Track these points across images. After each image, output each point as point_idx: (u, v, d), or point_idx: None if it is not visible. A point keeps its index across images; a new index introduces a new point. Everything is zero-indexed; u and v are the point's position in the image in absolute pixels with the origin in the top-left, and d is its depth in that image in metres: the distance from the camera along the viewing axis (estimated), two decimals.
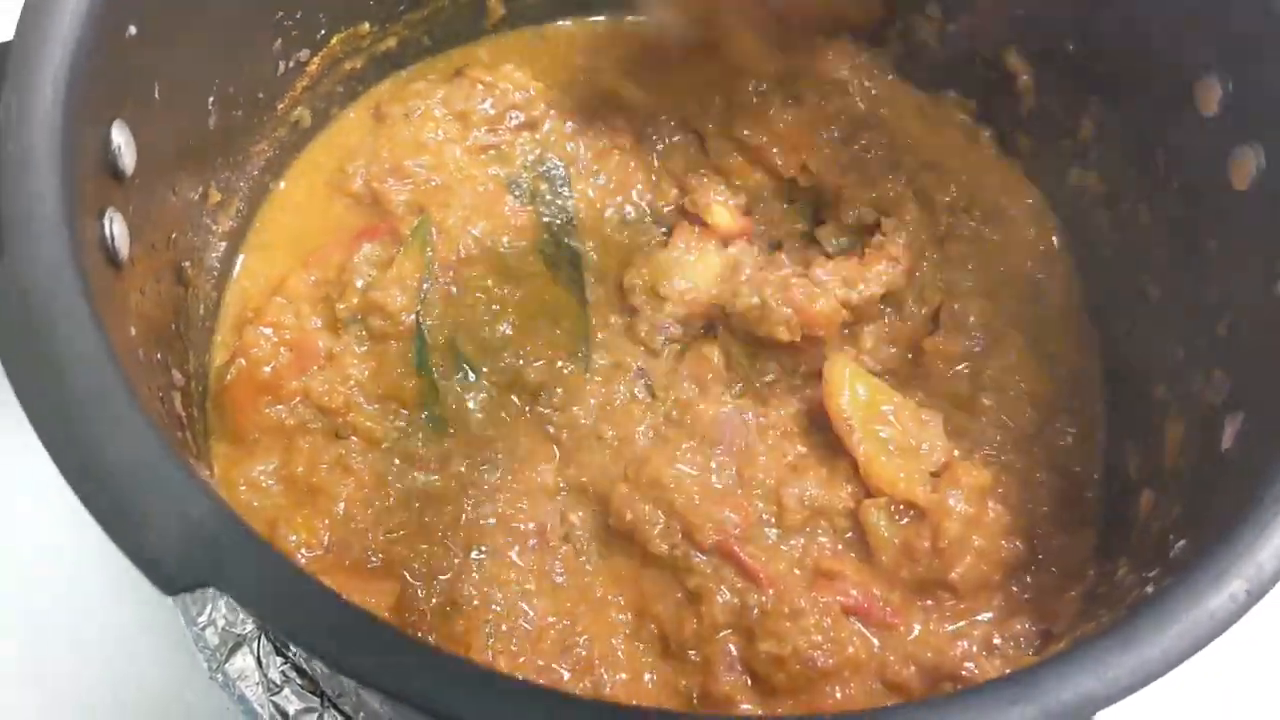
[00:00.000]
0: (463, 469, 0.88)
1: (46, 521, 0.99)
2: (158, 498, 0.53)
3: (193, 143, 0.83)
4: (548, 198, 1.01)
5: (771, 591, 0.81)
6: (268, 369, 0.88)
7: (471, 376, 0.91)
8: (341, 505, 0.84)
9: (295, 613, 0.51)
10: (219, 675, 0.93)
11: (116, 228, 0.68)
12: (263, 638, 0.92)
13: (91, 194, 0.65)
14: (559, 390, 0.91)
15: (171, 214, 0.82)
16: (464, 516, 0.86)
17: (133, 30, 0.69)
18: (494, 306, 0.95)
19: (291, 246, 0.98)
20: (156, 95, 0.75)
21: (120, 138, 0.69)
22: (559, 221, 1.00)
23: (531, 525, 0.86)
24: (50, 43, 0.63)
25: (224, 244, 0.93)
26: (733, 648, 0.81)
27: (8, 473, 1.02)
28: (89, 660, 0.98)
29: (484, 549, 0.85)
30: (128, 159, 0.69)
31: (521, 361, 0.92)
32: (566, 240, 0.99)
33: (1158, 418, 0.84)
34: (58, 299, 0.58)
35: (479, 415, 0.90)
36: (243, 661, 0.93)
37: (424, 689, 0.50)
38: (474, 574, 0.83)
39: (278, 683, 0.92)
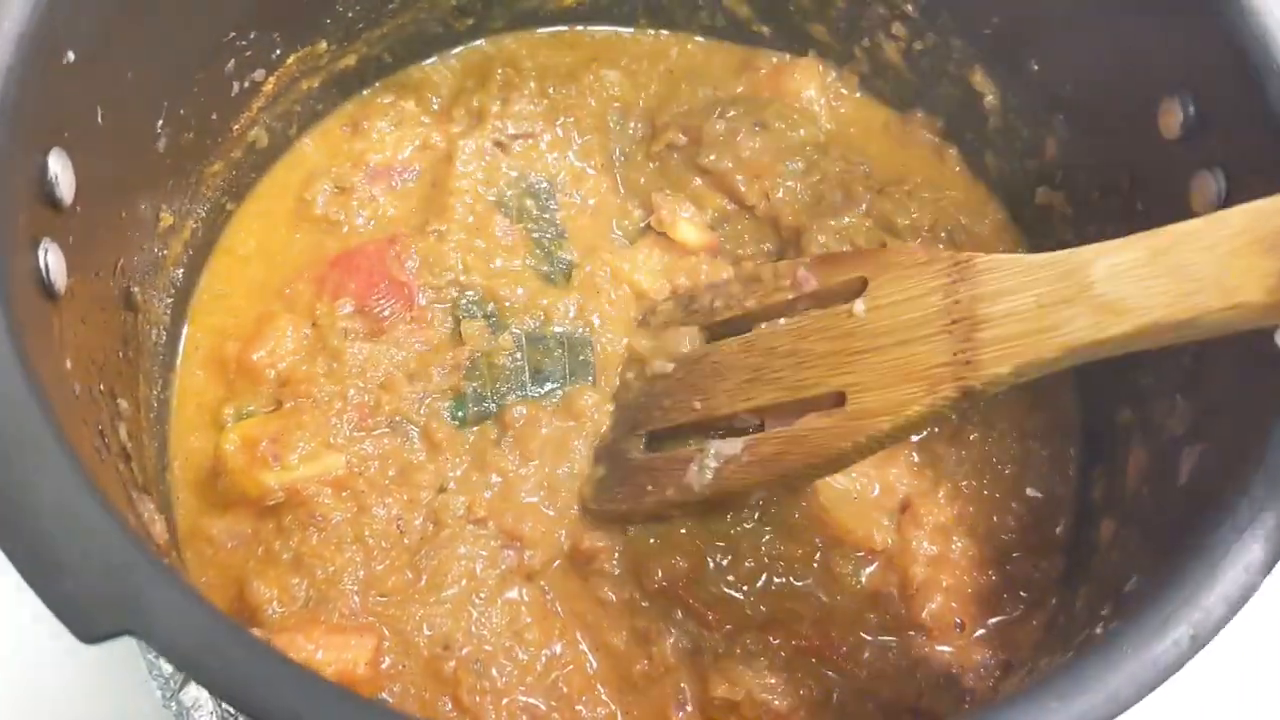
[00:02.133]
0: (460, 512, 0.86)
1: None
2: (77, 544, 0.52)
3: (140, 167, 0.82)
4: (534, 213, 1.00)
5: (727, 628, 0.80)
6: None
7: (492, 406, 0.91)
8: (331, 568, 0.82)
9: (217, 665, 0.50)
10: (173, 704, 0.91)
11: (52, 258, 0.66)
12: None
13: (25, 224, 0.64)
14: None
15: (118, 239, 0.80)
16: (455, 560, 0.84)
17: (71, 56, 0.68)
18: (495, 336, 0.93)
19: (255, 274, 0.97)
20: (99, 120, 0.73)
21: (58, 166, 0.67)
22: (549, 236, 0.99)
23: (512, 555, 0.85)
24: None
25: (179, 270, 0.92)
26: (685, 688, 0.80)
27: None
28: (41, 686, 0.96)
29: (463, 585, 0.84)
30: (66, 187, 0.68)
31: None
32: (559, 253, 0.98)
33: (1122, 445, 0.83)
34: None
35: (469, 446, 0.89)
36: (197, 691, 0.91)
37: None
38: (464, 615, 0.83)
39: (232, 712, 0.91)
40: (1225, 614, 0.55)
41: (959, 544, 0.85)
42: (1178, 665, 0.54)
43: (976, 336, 0.65)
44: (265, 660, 0.51)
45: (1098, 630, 0.62)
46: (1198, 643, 0.54)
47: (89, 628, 0.51)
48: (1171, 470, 0.72)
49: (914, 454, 0.88)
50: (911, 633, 0.82)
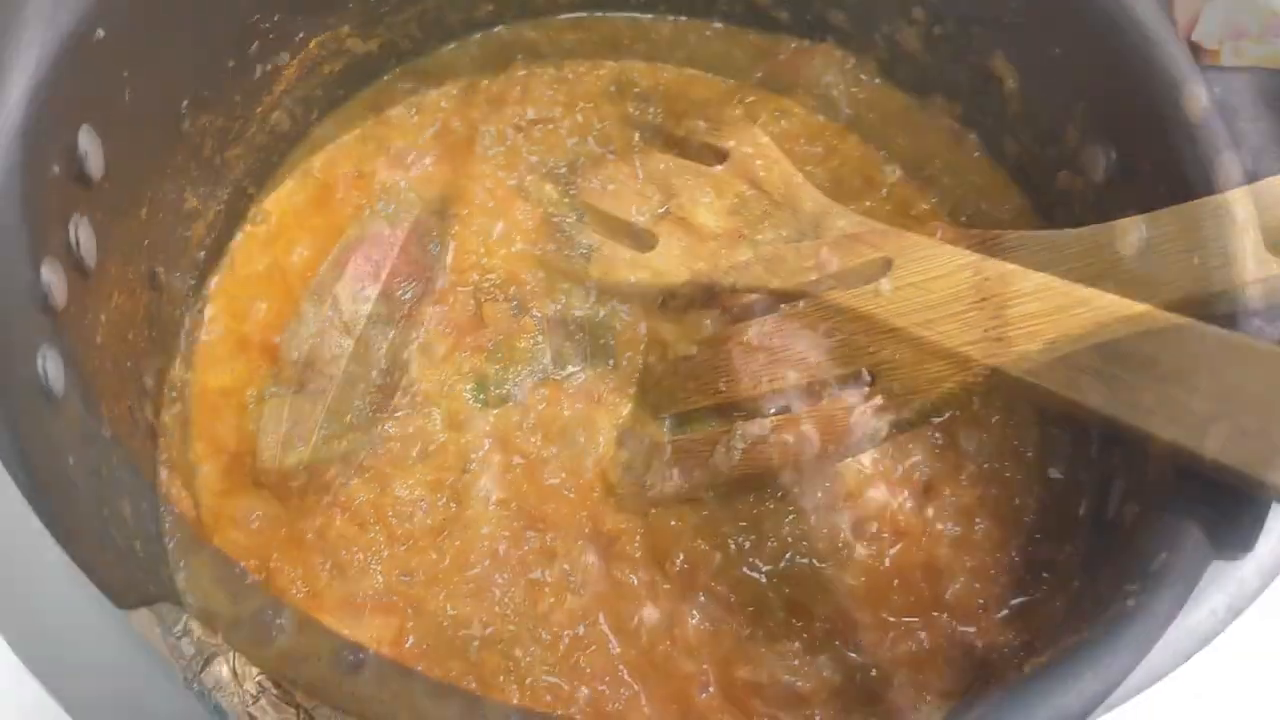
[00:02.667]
0: (483, 493, 0.87)
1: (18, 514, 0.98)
2: (114, 514, 0.52)
3: (165, 147, 0.82)
4: (554, 197, 1.00)
5: (749, 610, 0.80)
6: None
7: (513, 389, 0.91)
8: (355, 548, 0.82)
9: (250, 632, 0.50)
10: (195, 685, 0.91)
11: (83, 234, 0.67)
12: None
13: (57, 200, 0.64)
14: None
15: (144, 220, 0.81)
16: (478, 541, 0.85)
17: (101, 33, 0.69)
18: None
19: (277, 258, 0.97)
20: (126, 99, 0.74)
21: (87, 143, 0.68)
22: (569, 220, 0.99)
23: (534, 536, 0.86)
24: (13, 48, 0.62)
25: (202, 252, 0.92)
26: (708, 669, 0.80)
27: None
28: (59, 669, 0.96)
29: (486, 565, 0.84)
30: (95, 164, 0.69)
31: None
32: (579, 238, 0.99)
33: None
34: (18, 308, 0.57)
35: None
36: (219, 672, 0.91)
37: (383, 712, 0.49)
38: (488, 595, 0.83)
39: (254, 694, 0.90)
40: (1260, 585, 0.55)
41: (981, 525, 0.85)
42: (1213, 634, 0.54)
43: (1006, 313, 0.65)
44: (301, 625, 0.51)
45: (1128, 603, 0.62)
46: (1233, 611, 0.54)
47: (123, 595, 0.52)
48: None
49: (936, 436, 0.88)
50: (935, 614, 0.82)
